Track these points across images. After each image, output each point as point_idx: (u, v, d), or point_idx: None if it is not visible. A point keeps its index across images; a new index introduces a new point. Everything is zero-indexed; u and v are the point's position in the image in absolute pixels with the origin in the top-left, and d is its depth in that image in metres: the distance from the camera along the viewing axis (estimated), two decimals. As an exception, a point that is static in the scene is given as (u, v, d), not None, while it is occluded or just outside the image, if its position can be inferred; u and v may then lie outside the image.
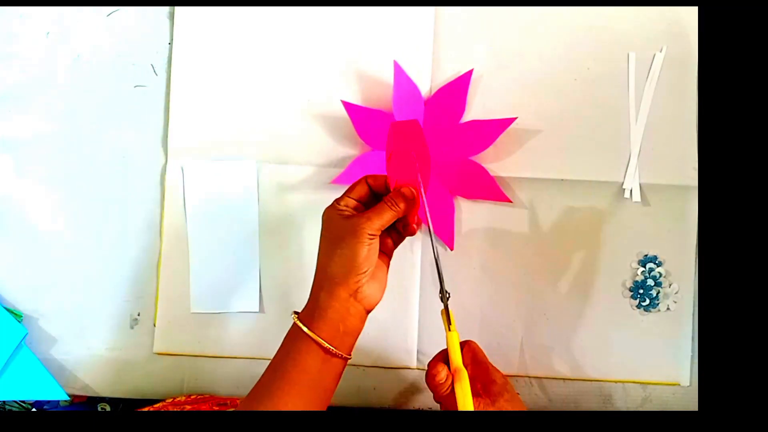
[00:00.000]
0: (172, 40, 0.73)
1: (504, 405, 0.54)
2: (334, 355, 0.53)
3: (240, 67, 0.72)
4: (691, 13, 0.71)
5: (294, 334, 0.54)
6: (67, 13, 0.73)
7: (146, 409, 0.68)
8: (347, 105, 0.69)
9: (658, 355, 0.70)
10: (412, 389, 0.71)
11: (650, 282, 0.70)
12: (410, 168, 0.56)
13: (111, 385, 0.72)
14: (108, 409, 0.82)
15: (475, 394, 0.55)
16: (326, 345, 0.53)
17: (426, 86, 0.71)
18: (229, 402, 0.69)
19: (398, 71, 0.69)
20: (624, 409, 0.70)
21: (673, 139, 0.71)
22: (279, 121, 0.72)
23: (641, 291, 0.70)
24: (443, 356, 0.57)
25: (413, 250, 0.70)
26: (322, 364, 0.53)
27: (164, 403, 0.69)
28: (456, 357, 0.56)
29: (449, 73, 0.71)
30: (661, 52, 0.71)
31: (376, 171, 0.69)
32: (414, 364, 0.71)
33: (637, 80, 0.71)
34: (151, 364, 0.72)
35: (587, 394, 0.71)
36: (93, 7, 0.73)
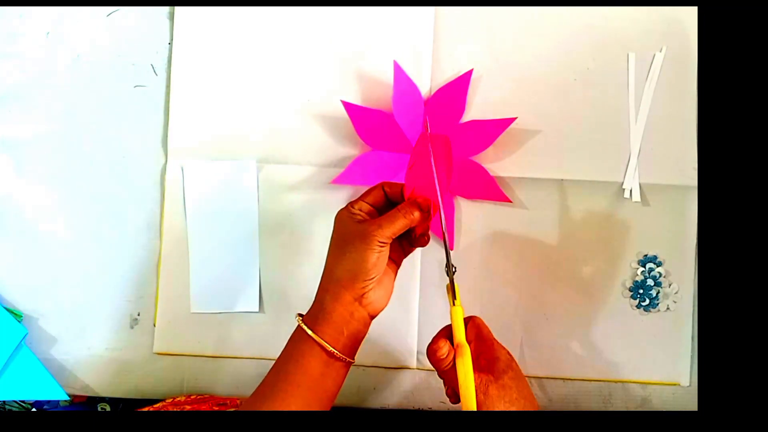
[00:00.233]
0: (172, 40, 0.73)
1: (507, 382, 0.53)
2: (337, 358, 0.53)
3: (240, 67, 0.72)
4: (691, 13, 0.71)
5: (298, 336, 0.54)
6: (67, 13, 0.73)
7: (146, 409, 0.68)
8: (347, 105, 0.69)
9: (658, 355, 0.70)
10: (412, 389, 0.71)
11: (650, 282, 0.70)
12: (430, 180, 0.56)
13: (111, 385, 0.72)
14: (108, 409, 0.82)
15: (479, 370, 0.54)
16: (329, 348, 0.53)
17: (426, 86, 0.71)
18: (228, 402, 0.69)
19: (398, 71, 0.69)
20: (624, 409, 0.70)
21: (672, 139, 0.71)
22: (279, 121, 0.72)
23: (641, 291, 0.70)
24: (447, 332, 0.56)
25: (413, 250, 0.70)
26: (325, 367, 0.53)
27: (164, 403, 0.69)
28: (459, 332, 0.55)
29: (449, 73, 0.71)
30: (660, 52, 0.71)
31: (376, 171, 0.69)
32: (414, 364, 0.71)
33: (637, 80, 0.71)
34: (151, 364, 0.72)
35: (587, 394, 0.71)
36: (93, 7, 0.73)
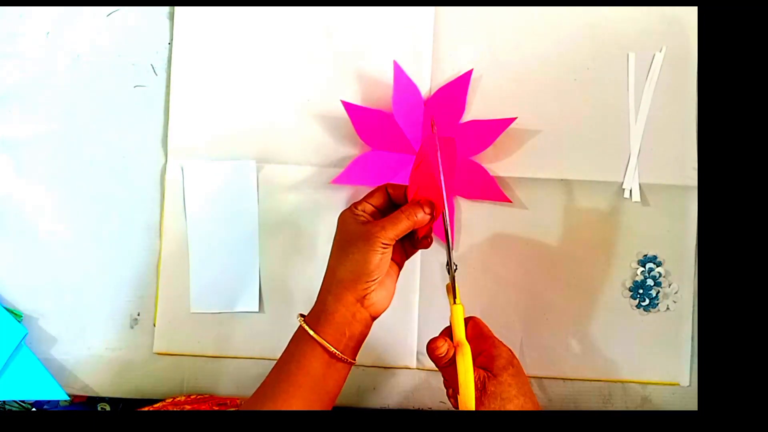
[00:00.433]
0: (171, 40, 0.73)
1: (507, 379, 0.53)
2: (339, 359, 0.53)
3: (240, 67, 0.72)
4: (691, 13, 0.71)
5: (299, 336, 0.54)
6: (67, 13, 0.73)
7: (146, 409, 0.68)
8: (347, 105, 0.69)
9: (658, 355, 0.70)
10: (412, 389, 0.71)
11: (650, 282, 0.70)
12: (434, 181, 0.55)
13: (111, 385, 0.72)
14: (108, 409, 0.82)
15: (479, 367, 0.54)
16: (331, 349, 0.53)
17: (426, 86, 0.71)
18: (228, 402, 0.69)
19: (398, 71, 0.69)
20: (624, 408, 0.70)
21: (672, 139, 0.71)
22: (279, 121, 0.72)
23: (641, 291, 0.70)
24: (448, 332, 0.56)
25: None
26: (326, 367, 0.53)
27: (164, 403, 0.69)
28: (459, 330, 0.55)
29: (449, 73, 0.71)
30: (660, 52, 0.71)
31: (376, 171, 0.69)
32: (414, 364, 0.71)
33: (637, 80, 0.71)
34: (151, 364, 0.72)
35: (587, 393, 0.71)
36: (93, 7, 0.73)
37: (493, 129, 0.69)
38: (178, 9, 0.72)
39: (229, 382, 0.72)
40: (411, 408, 0.71)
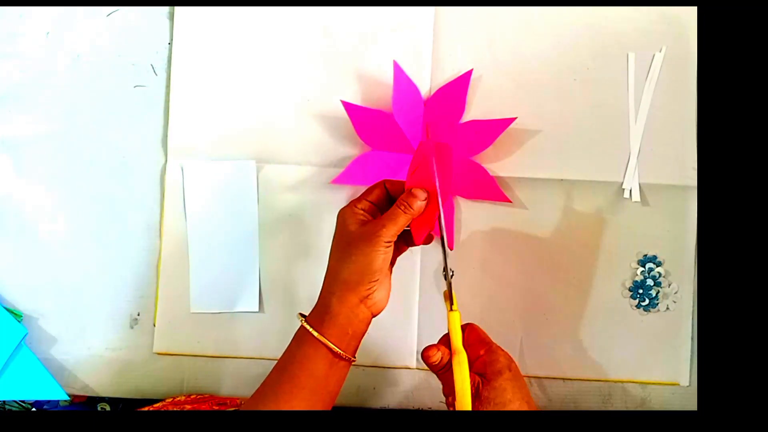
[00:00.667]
0: (171, 40, 0.73)
1: (502, 384, 0.53)
2: (341, 358, 0.53)
3: (240, 67, 0.72)
4: (691, 13, 0.71)
5: (301, 336, 0.54)
6: (67, 13, 0.73)
7: (146, 408, 0.68)
8: (347, 105, 0.69)
9: (658, 355, 0.70)
10: (412, 389, 0.71)
11: (650, 282, 0.70)
12: (431, 187, 0.55)
13: (111, 385, 0.72)
14: (108, 409, 0.82)
15: (475, 372, 0.54)
16: (336, 349, 0.53)
17: (426, 86, 0.71)
18: (228, 402, 0.69)
19: (398, 71, 0.69)
20: (623, 408, 0.70)
21: (672, 139, 0.71)
22: (279, 121, 0.72)
23: (641, 291, 0.70)
24: (445, 340, 0.57)
25: (413, 250, 0.70)
26: (328, 367, 0.53)
27: (164, 403, 0.69)
28: (456, 337, 0.55)
29: (449, 73, 0.71)
30: (660, 52, 0.71)
31: (376, 171, 0.69)
32: (414, 364, 0.71)
33: (637, 80, 0.71)
34: (151, 364, 0.72)
35: (587, 393, 0.71)
36: (93, 7, 0.73)
37: (493, 129, 0.69)
38: (178, 9, 0.72)
39: (229, 382, 0.72)
40: (411, 408, 0.71)
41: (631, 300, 0.71)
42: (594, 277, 0.71)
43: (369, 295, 0.54)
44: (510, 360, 0.56)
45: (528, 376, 0.71)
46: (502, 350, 0.56)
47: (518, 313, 0.71)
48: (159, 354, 0.72)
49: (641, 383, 0.71)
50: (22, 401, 0.81)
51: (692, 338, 0.70)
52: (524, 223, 0.71)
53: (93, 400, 0.81)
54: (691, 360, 0.70)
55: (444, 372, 0.55)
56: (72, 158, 0.72)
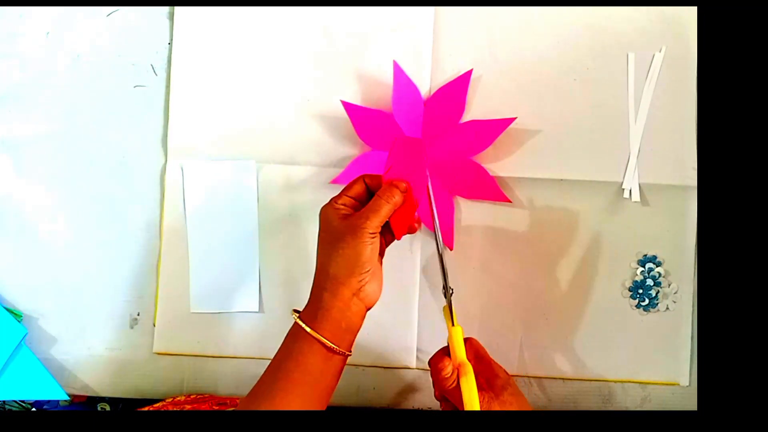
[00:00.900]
0: (171, 40, 0.73)
1: (508, 398, 0.54)
2: (336, 352, 0.53)
3: (240, 67, 0.72)
4: (691, 13, 0.71)
5: (295, 333, 0.54)
6: (67, 13, 0.73)
7: (146, 408, 0.68)
8: (347, 105, 0.69)
9: (658, 355, 0.70)
10: (412, 389, 0.71)
11: (649, 282, 0.70)
12: (408, 179, 0.56)
13: (111, 385, 0.72)
14: (108, 408, 0.82)
15: (479, 387, 0.55)
16: (329, 344, 0.53)
17: (425, 86, 0.71)
18: (228, 401, 0.69)
19: (398, 71, 0.69)
20: (623, 408, 0.70)
21: (672, 139, 0.71)
22: (279, 121, 0.72)
23: (640, 291, 0.70)
24: (445, 352, 0.57)
25: (413, 250, 0.70)
26: (324, 362, 0.53)
27: (164, 403, 0.69)
28: (460, 351, 0.56)
29: (449, 73, 0.71)
30: (660, 52, 0.71)
31: (376, 171, 0.69)
32: (414, 363, 0.71)
33: (637, 80, 0.71)
34: (150, 364, 0.72)
35: (587, 393, 0.71)
36: (93, 7, 0.73)
37: (493, 129, 0.69)
38: (178, 9, 0.72)
39: (229, 382, 0.72)
40: (411, 408, 0.71)
41: (631, 300, 0.71)
42: (594, 277, 0.71)
43: (361, 287, 0.54)
44: (508, 375, 0.57)
45: (528, 376, 0.71)
46: (501, 367, 0.58)
47: (518, 313, 0.71)
48: (159, 354, 0.72)
49: (641, 383, 0.71)
50: (22, 401, 0.81)
51: (692, 338, 0.70)
52: (524, 223, 0.71)
53: (93, 400, 0.81)
54: (691, 360, 0.70)
55: (450, 387, 0.56)
56: (72, 158, 0.72)
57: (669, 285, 0.70)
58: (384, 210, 0.54)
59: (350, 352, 0.55)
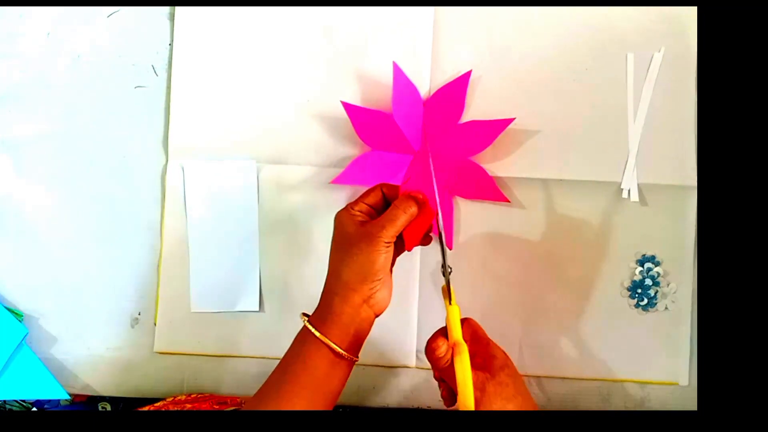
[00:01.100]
0: (172, 40, 0.73)
1: (504, 379, 0.53)
2: (344, 358, 0.53)
3: (240, 68, 0.72)
4: (691, 13, 0.71)
5: (304, 337, 0.55)
6: (67, 13, 0.73)
7: (147, 408, 0.68)
8: (347, 105, 0.69)
9: (657, 355, 0.71)
10: (412, 389, 0.71)
11: (648, 281, 0.70)
12: (428, 189, 0.57)
13: (111, 385, 0.72)
14: (108, 408, 0.82)
15: (476, 368, 0.54)
16: (337, 349, 0.53)
17: (425, 87, 0.71)
18: (229, 401, 0.69)
19: (397, 72, 0.69)
20: (623, 408, 0.71)
21: (671, 139, 0.71)
22: (279, 121, 0.72)
23: (639, 290, 0.71)
24: (443, 332, 0.57)
25: (413, 250, 0.70)
26: (331, 367, 0.53)
27: (164, 402, 0.69)
28: (456, 331, 0.55)
29: (448, 73, 0.71)
30: (659, 52, 0.71)
31: (376, 171, 0.69)
32: (414, 363, 0.71)
33: (636, 80, 0.71)
34: (151, 364, 0.72)
35: (586, 393, 0.71)
36: (93, 8, 0.73)
37: (492, 129, 0.69)
38: (178, 9, 0.72)
39: (229, 381, 0.72)
40: (411, 407, 0.71)
41: (630, 299, 0.71)
42: (593, 276, 0.71)
43: (372, 294, 0.54)
44: (507, 356, 0.56)
45: (527, 375, 0.71)
46: (499, 347, 0.57)
47: (517, 312, 0.71)
48: (159, 353, 0.72)
49: (640, 383, 0.71)
50: (23, 401, 0.81)
51: (691, 338, 0.70)
52: (523, 223, 0.71)
53: (94, 400, 0.81)
54: (691, 359, 0.70)
55: (445, 366, 0.55)
56: (72, 158, 0.72)
57: (668, 285, 0.71)
58: (400, 220, 0.54)
59: (357, 357, 0.55)
